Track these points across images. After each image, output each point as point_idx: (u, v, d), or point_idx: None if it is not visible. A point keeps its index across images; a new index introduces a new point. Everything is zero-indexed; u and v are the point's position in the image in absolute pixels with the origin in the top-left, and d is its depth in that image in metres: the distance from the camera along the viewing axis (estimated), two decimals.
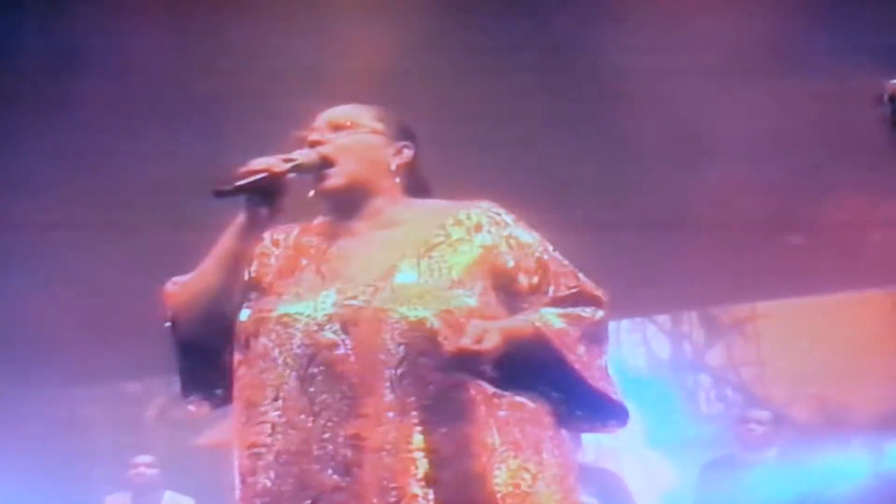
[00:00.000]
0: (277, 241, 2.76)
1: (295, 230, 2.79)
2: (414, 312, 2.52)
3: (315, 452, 2.49)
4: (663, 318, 8.07)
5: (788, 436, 7.24)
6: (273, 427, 2.54)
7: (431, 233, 2.68)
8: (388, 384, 2.49)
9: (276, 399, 2.55)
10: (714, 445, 6.81)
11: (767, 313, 7.82)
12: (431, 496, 2.47)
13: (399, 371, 2.49)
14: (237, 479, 2.61)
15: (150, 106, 5.94)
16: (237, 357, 2.65)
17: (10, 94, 5.78)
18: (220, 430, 8.29)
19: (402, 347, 2.50)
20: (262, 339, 2.59)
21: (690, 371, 7.96)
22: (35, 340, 6.91)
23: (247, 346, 2.63)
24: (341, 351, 2.52)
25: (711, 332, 7.95)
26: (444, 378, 2.49)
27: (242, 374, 2.63)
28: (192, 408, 2.80)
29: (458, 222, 2.69)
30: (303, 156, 2.65)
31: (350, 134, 2.73)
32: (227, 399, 2.72)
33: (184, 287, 2.71)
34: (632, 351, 8.10)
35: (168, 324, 2.70)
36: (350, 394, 2.50)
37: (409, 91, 5.13)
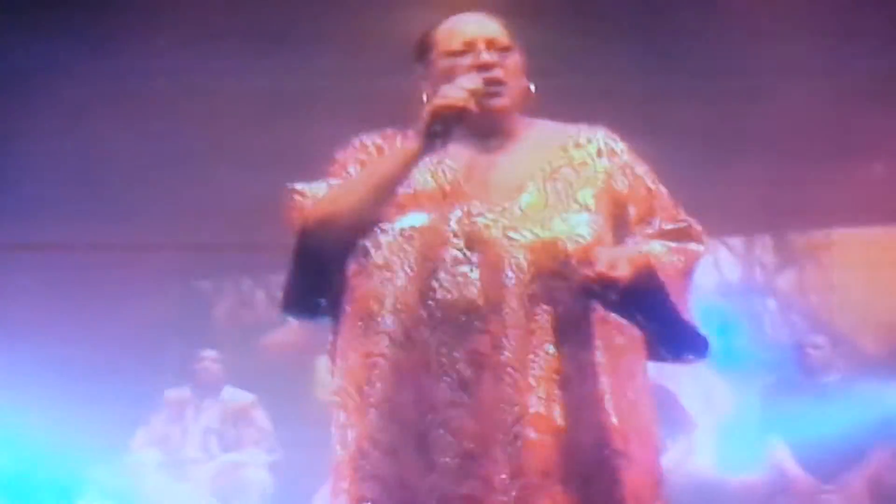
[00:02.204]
0: (381, 148, 2.75)
1: (398, 138, 2.75)
2: (546, 233, 2.55)
3: (433, 366, 2.51)
4: (735, 241, 7.99)
5: (853, 363, 7.20)
6: (391, 338, 2.56)
7: (555, 154, 2.69)
8: (514, 302, 2.51)
9: (394, 311, 2.57)
10: (776, 370, 6.79)
11: (842, 240, 7.72)
12: (556, 414, 2.50)
13: (528, 291, 2.51)
14: (352, 388, 2.61)
15: None
16: (353, 267, 2.65)
17: None
18: (286, 332, 8.42)
19: (532, 267, 2.52)
20: (384, 251, 2.60)
21: (759, 295, 7.89)
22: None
23: (365, 256, 2.63)
24: (465, 268, 2.53)
25: (784, 258, 7.88)
26: (573, 300, 2.52)
27: (360, 284, 2.64)
28: (291, 317, 2.82)
29: (579, 145, 2.71)
30: (477, 84, 2.60)
31: (511, 55, 2.71)
32: (329, 309, 2.72)
33: (329, 201, 2.67)
34: (702, 272, 8.02)
35: (298, 232, 2.66)
36: (471, 309, 2.51)
37: None
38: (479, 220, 2.57)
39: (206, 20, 5.82)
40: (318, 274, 2.69)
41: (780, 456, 6.25)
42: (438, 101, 2.56)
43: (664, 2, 6.00)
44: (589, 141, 2.73)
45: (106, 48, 5.98)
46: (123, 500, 6.57)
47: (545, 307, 2.52)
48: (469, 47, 2.70)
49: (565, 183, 2.65)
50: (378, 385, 2.55)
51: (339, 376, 2.67)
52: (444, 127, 2.56)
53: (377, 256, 2.61)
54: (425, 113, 2.57)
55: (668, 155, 6.42)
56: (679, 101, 6.26)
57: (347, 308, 2.66)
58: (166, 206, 6.88)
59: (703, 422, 6.77)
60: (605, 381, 2.55)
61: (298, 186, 2.73)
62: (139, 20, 5.88)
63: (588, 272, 2.44)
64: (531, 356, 2.50)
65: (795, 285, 7.82)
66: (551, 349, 2.52)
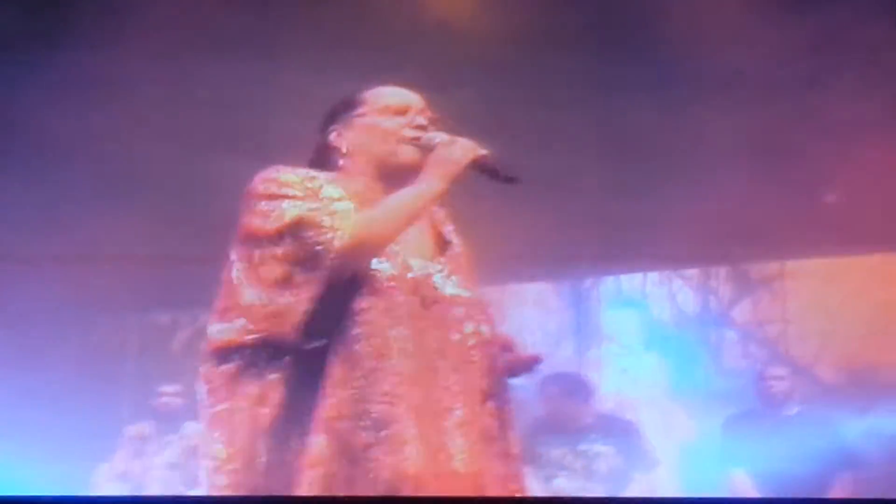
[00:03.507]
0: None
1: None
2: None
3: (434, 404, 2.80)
4: (691, 273, 8.05)
5: (812, 394, 7.24)
6: (401, 378, 2.77)
7: None
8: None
9: (402, 352, 2.79)
10: (736, 400, 6.81)
11: (797, 271, 7.78)
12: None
13: None
14: (369, 422, 2.74)
15: None
16: (362, 304, 2.81)
17: None
18: None
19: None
20: (391, 293, 2.82)
21: (716, 326, 7.94)
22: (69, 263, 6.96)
23: (375, 294, 2.81)
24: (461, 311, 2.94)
25: (739, 288, 7.93)
26: None
27: (370, 321, 2.79)
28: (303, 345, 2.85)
29: None
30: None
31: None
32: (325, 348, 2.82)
33: (377, 227, 2.85)
34: (658, 304, 8.08)
35: (337, 253, 2.79)
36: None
37: None
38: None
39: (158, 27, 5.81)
40: (337, 306, 2.82)
41: (741, 485, 6.27)
42: (479, 153, 2.92)
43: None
44: None
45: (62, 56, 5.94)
46: None
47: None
48: (407, 109, 3.03)
49: None
50: (401, 425, 2.79)
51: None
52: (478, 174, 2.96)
53: (387, 297, 2.84)
54: (475, 159, 2.91)
55: (622, 186, 6.52)
56: (633, 134, 6.31)
57: (360, 345, 2.79)
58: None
59: (664, 452, 6.80)
60: None
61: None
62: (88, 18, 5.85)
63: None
64: None
65: (751, 316, 7.87)
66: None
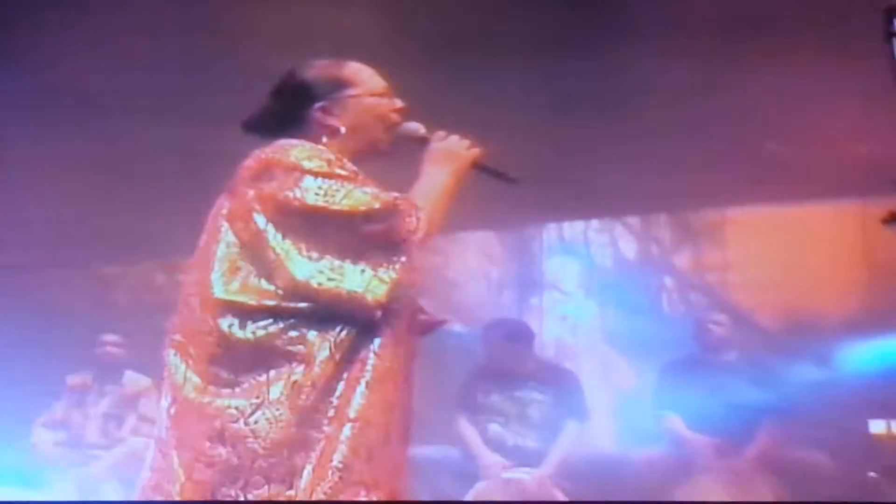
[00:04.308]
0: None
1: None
2: None
3: None
4: (633, 220, 8.10)
5: (750, 340, 7.33)
6: None
7: None
8: None
9: None
10: (675, 347, 6.87)
11: (737, 219, 7.84)
12: None
13: None
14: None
15: None
16: None
17: None
18: None
19: None
20: None
21: (656, 273, 8.00)
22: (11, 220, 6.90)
23: None
24: None
25: (680, 236, 7.99)
26: None
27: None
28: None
29: None
30: None
31: None
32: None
33: (434, 220, 2.96)
34: (599, 251, 8.13)
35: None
36: None
37: None
38: None
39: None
40: None
41: (675, 427, 6.35)
42: (478, 152, 3.09)
43: None
44: None
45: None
46: (26, 485, 6.50)
47: None
48: (387, 92, 3.10)
49: None
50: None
51: None
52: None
53: None
54: (476, 158, 3.07)
55: (565, 136, 6.54)
56: (574, 88, 6.32)
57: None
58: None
59: (603, 399, 6.86)
60: None
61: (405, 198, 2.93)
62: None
63: None
64: None
65: (692, 263, 7.93)
66: None
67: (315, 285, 2.76)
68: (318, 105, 3.04)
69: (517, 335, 6.54)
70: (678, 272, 7.94)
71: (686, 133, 6.54)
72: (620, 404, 7.28)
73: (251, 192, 2.85)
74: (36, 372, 6.98)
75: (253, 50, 5.45)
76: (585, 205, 7.87)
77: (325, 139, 3.00)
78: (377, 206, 2.82)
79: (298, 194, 2.81)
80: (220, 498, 2.69)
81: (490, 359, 6.55)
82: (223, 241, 2.88)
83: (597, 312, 7.88)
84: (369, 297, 2.78)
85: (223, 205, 2.96)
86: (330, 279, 2.77)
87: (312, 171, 2.84)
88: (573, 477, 5.98)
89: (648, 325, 7.70)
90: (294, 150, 2.89)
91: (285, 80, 3.12)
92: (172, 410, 2.86)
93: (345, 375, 2.78)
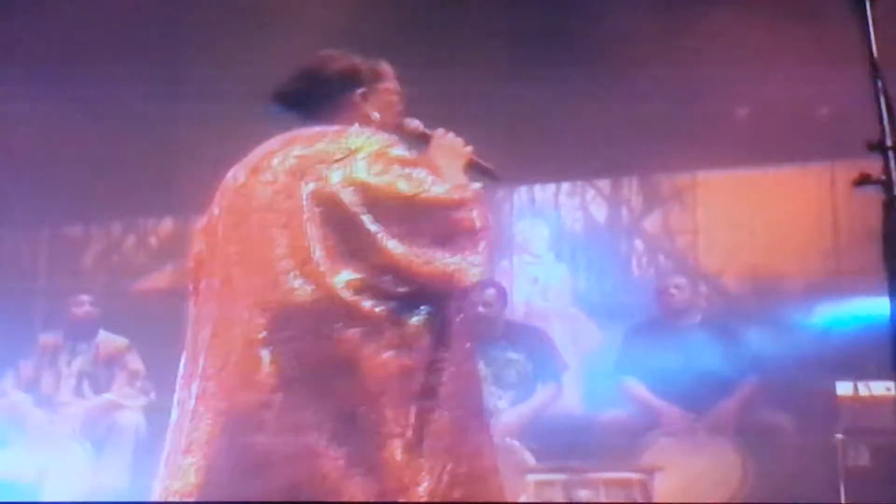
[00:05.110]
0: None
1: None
2: None
3: None
4: (603, 183, 8.12)
5: (717, 303, 7.38)
6: None
7: None
8: None
9: None
10: (643, 311, 6.91)
11: (707, 183, 7.87)
12: None
13: None
14: None
15: None
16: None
17: None
18: (157, 278, 8.37)
19: None
20: None
21: (625, 236, 8.02)
22: None
23: None
24: None
25: (650, 199, 8.01)
26: None
27: None
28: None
29: None
30: None
31: None
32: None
33: None
34: (570, 214, 8.16)
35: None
36: None
37: None
38: None
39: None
40: None
41: (636, 392, 6.39)
42: (469, 151, 3.25)
43: None
44: None
45: None
46: None
47: None
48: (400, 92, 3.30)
49: None
50: None
51: None
52: None
53: None
54: (471, 155, 3.23)
55: (536, 99, 6.54)
56: (544, 45, 6.33)
57: None
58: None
59: (571, 362, 6.89)
60: None
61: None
62: None
63: None
64: None
65: (661, 227, 7.96)
66: None
67: (412, 266, 2.87)
68: (360, 91, 3.20)
69: (489, 297, 6.56)
70: (648, 236, 7.97)
71: (656, 97, 6.56)
72: (588, 367, 7.31)
73: (336, 177, 2.92)
74: (4, 332, 6.97)
75: None
76: (556, 168, 7.89)
77: (356, 125, 3.11)
78: (467, 195, 2.98)
79: (388, 180, 2.91)
80: None
81: (461, 319, 6.56)
82: (308, 224, 2.90)
83: (567, 275, 7.90)
84: (463, 278, 2.91)
85: (284, 182, 2.99)
86: (426, 262, 2.88)
87: (400, 159, 2.97)
88: (539, 437, 6.02)
89: (617, 289, 7.73)
90: (375, 136, 3.02)
91: (326, 62, 3.23)
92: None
93: (435, 355, 2.92)
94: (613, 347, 6.74)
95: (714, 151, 7.32)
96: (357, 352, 2.80)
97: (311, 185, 2.93)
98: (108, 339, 7.18)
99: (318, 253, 2.85)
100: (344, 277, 2.84)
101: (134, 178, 7.48)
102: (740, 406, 6.18)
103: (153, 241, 8.64)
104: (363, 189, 2.89)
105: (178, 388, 3.04)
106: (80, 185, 7.59)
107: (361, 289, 2.84)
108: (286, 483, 2.73)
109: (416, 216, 2.90)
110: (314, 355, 2.80)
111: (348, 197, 2.89)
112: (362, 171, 2.91)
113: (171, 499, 2.84)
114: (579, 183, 8.15)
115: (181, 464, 2.86)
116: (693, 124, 6.91)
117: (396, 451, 2.76)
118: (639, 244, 7.98)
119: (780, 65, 6.25)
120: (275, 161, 3.01)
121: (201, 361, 2.91)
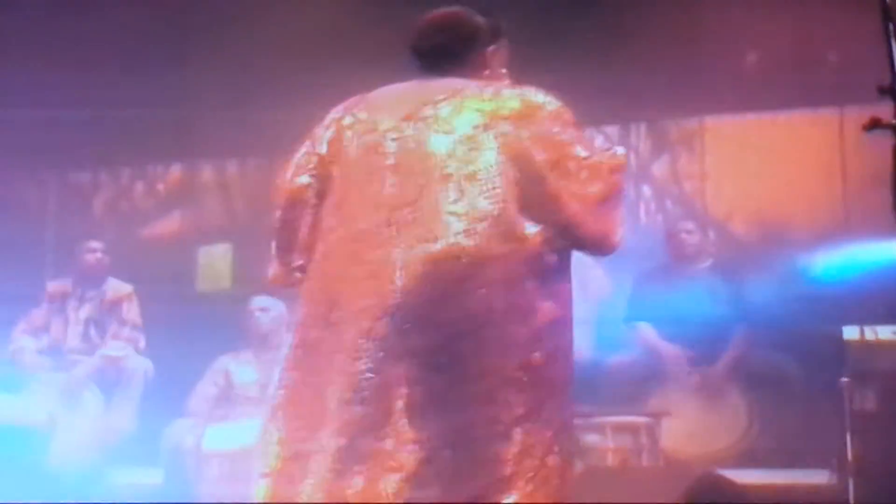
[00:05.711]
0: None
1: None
2: None
3: None
4: (611, 129, 8.08)
5: (725, 248, 7.37)
6: None
7: None
8: None
9: None
10: (651, 256, 6.91)
11: (715, 128, 7.84)
12: None
13: None
14: None
15: None
16: None
17: None
18: (166, 222, 8.38)
19: None
20: None
21: (633, 182, 8.00)
22: None
23: None
24: None
25: (658, 145, 7.98)
26: None
27: None
28: None
29: None
30: None
31: None
32: None
33: None
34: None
35: None
36: None
37: None
38: None
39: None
40: None
41: (646, 335, 6.41)
42: None
43: None
44: None
45: None
46: (6, 391, 6.55)
47: None
48: None
49: None
50: None
51: None
52: None
53: None
54: None
55: (544, 44, 6.51)
56: None
57: None
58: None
59: (579, 308, 6.88)
60: None
61: None
62: None
63: None
64: None
65: (669, 172, 7.93)
66: None
67: (585, 225, 3.00)
68: (491, 48, 3.26)
69: None
70: (656, 181, 7.95)
71: (665, 42, 6.54)
72: (597, 313, 7.31)
73: (524, 133, 2.97)
74: (13, 278, 6.98)
75: None
76: None
77: (507, 81, 3.21)
78: (623, 160, 3.11)
79: (569, 139, 3.00)
80: None
81: None
82: (501, 177, 2.95)
83: None
84: (614, 239, 3.11)
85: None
86: (595, 221, 3.02)
87: (572, 122, 3.05)
88: None
89: (625, 235, 7.70)
90: (549, 97, 3.07)
91: (465, 18, 3.27)
92: None
93: None
94: (622, 293, 6.75)
95: (722, 97, 7.29)
96: (534, 302, 2.93)
97: (500, 139, 2.99)
98: (114, 286, 7.19)
99: (511, 204, 2.93)
100: (531, 230, 2.92)
101: (142, 125, 7.47)
102: (748, 352, 6.19)
103: (161, 187, 8.64)
104: (552, 147, 2.97)
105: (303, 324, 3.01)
106: (88, 132, 7.57)
107: (543, 242, 2.93)
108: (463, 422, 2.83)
109: (583, 178, 2.98)
110: (502, 302, 2.88)
111: (539, 154, 2.96)
112: (549, 129, 3.00)
113: None
114: (587, 129, 8.12)
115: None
116: (701, 70, 6.87)
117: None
118: (646, 190, 7.96)
119: (789, 9, 6.22)
120: (443, 111, 3.03)
121: (360, 302, 2.89)
